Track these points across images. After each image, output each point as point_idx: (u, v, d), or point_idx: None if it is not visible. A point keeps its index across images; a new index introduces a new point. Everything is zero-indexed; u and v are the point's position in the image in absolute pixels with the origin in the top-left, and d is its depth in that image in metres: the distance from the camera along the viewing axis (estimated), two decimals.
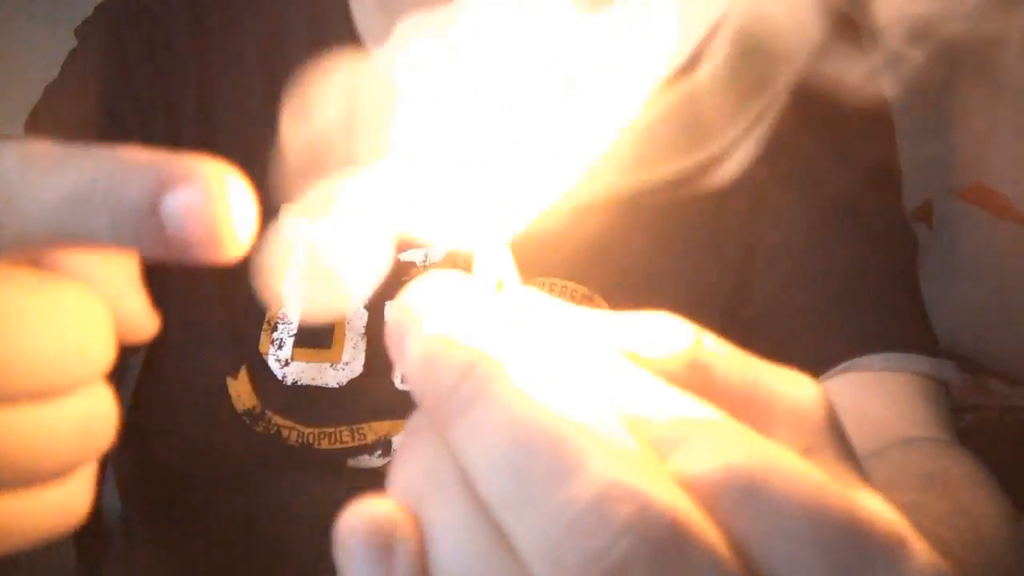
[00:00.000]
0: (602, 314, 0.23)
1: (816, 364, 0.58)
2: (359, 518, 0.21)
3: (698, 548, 0.18)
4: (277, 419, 0.62)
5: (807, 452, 0.22)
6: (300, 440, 0.62)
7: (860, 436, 0.56)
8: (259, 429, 0.62)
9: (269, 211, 0.64)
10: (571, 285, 0.62)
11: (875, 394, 0.57)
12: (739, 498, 0.19)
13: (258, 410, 0.62)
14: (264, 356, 0.62)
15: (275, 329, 0.62)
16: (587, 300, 0.62)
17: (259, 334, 0.62)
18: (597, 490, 0.18)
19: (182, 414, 0.66)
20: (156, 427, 0.68)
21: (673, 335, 0.22)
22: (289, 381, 0.61)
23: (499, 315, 0.21)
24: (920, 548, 0.20)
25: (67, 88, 0.63)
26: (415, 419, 0.22)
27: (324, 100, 0.62)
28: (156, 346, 0.67)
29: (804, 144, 0.64)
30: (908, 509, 0.43)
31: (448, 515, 0.20)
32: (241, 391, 0.62)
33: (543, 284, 0.63)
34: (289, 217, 0.62)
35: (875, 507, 0.21)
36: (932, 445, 0.54)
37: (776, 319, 0.62)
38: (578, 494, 0.18)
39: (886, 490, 0.48)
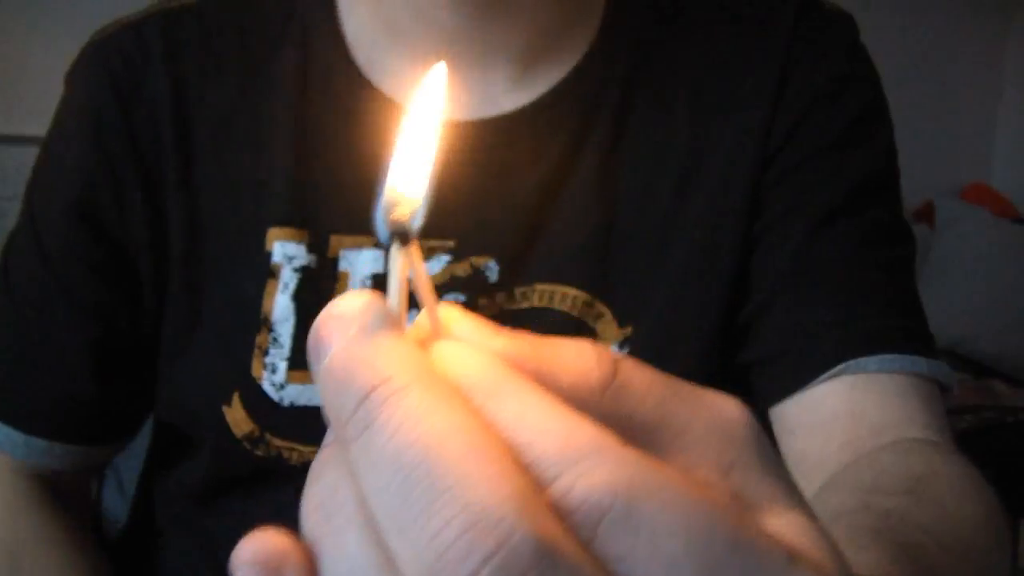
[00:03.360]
0: (521, 338, 0.23)
1: (812, 365, 0.58)
2: (247, 551, 0.22)
3: (565, 574, 0.18)
4: (277, 442, 0.62)
5: (729, 469, 0.22)
6: (302, 460, 0.62)
7: (856, 438, 0.56)
8: (260, 453, 0.62)
9: (255, 236, 0.64)
10: (571, 291, 0.62)
11: (871, 395, 0.57)
12: (619, 521, 0.19)
13: (256, 434, 0.62)
14: (258, 381, 0.61)
15: (266, 353, 0.61)
16: (587, 307, 0.62)
17: (250, 360, 0.61)
18: (465, 518, 0.19)
19: (186, 439, 0.66)
20: (171, 452, 0.69)
21: (589, 361, 0.22)
22: (286, 403, 0.61)
23: (405, 339, 0.22)
24: (814, 565, 0.20)
25: (59, 136, 0.65)
26: (328, 437, 0.23)
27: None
28: (160, 376, 0.67)
29: (801, 144, 0.64)
30: (887, 515, 0.43)
31: (344, 538, 0.21)
32: (237, 418, 0.61)
33: (542, 292, 0.62)
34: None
35: (771, 527, 0.21)
36: (925, 447, 0.54)
37: (772, 321, 0.62)
38: (448, 521, 0.19)
39: (870, 493, 0.49)
